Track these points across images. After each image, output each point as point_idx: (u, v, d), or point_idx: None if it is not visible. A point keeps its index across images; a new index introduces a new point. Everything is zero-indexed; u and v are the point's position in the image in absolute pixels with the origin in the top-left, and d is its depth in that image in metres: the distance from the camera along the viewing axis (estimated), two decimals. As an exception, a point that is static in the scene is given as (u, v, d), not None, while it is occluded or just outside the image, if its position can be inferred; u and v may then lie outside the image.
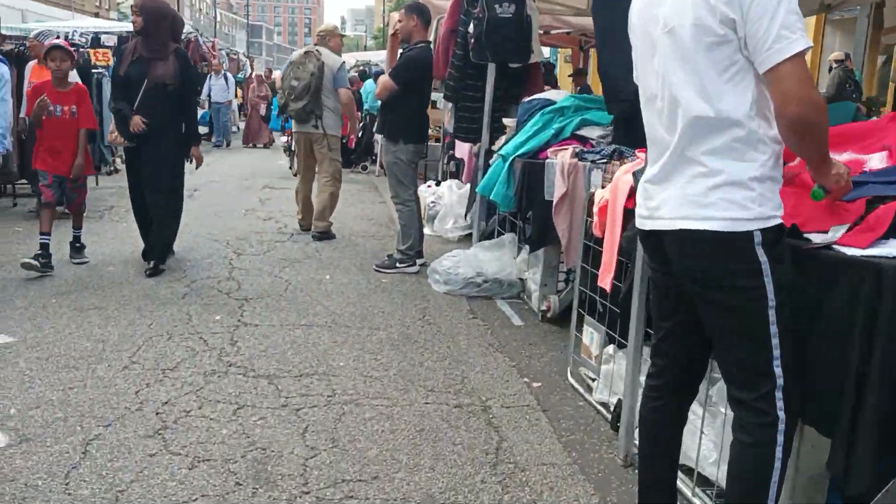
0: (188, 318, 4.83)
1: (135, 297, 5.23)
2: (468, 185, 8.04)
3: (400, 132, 6.20)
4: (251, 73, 19.57)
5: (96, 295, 5.25)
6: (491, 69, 6.02)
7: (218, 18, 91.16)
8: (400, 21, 6.35)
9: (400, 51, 6.42)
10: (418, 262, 6.46)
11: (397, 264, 6.34)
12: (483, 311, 5.34)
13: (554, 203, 4.84)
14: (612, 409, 3.52)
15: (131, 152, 6.08)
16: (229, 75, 17.55)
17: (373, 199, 10.70)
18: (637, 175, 3.33)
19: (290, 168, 12.58)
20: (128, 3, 52.70)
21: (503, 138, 5.94)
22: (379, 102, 6.54)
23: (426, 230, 7.23)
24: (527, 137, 5.19)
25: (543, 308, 5.13)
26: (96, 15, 33.39)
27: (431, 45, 6.35)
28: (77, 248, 6.27)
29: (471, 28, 5.88)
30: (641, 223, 2.28)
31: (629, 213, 3.44)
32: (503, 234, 6.31)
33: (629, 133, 4.25)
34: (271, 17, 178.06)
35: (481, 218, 6.75)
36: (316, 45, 7.77)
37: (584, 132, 5.17)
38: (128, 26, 19.65)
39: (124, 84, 5.91)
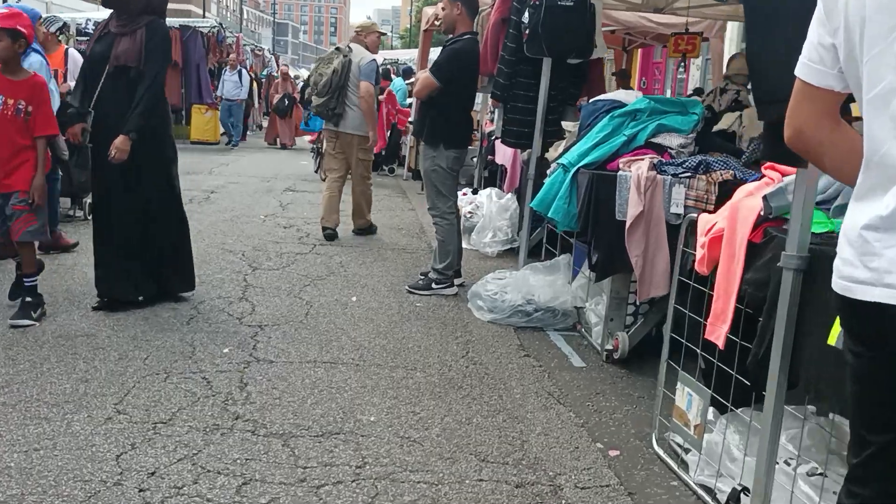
0: (191, 351, 4.09)
1: (132, 322, 4.50)
2: (510, 196, 7.28)
3: (441, 136, 5.44)
4: (278, 70, 18.72)
5: (87, 318, 4.52)
6: (546, 65, 5.24)
7: (245, 16, 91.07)
8: (443, 9, 5.59)
9: (439, 47, 5.67)
10: (456, 282, 5.71)
11: (433, 285, 5.58)
12: (536, 348, 4.56)
13: (627, 224, 4.07)
14: (722, 499, 2.73)
15: (97, 155, 4.73)
16: (244, 71, 16.66)
17: (402, 205, 9.95)
18: (770, 200, 2.55)
19: (316, 171, 11.86)
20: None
21: (559, 145, 5.17)
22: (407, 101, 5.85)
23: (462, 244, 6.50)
24: (593, 144, 4.41)
25: (609, 347, 4.34)
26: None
27: (478, 37, 5.57)
28: (26, 304, 4.40)
29: (525, 17, 5.10)
30: (852, 289, 1.50)
31: (753, 248, 2.66)
32: (554, 254, 5.54)
33: (778, 145, 3.45)
34: (297, 16, 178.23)
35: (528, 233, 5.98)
36: (351, 41, 7.43)
37: (660, 140, 4.39)
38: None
39: (90, 69, 4.73)
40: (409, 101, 11.59)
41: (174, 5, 19.60)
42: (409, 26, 71.41)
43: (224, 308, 4.89)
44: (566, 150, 4.70)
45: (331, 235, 7.30)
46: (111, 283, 4.72)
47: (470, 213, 7.55)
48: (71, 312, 4.61)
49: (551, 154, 5.25)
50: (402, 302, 5.32)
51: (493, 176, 10.44)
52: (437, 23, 12.01)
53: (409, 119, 11.72)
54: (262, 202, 9.36)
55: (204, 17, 18.04)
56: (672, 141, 4.37)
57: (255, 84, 20.93)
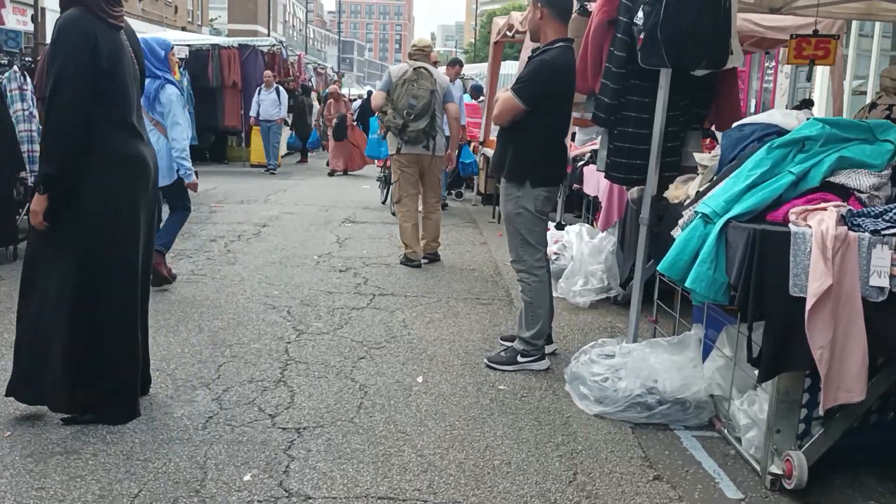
0: (201, 479, 3.01)
1: (132, 426, 3.46)
2: (605, 235, 6.07)
3: (527, 171, 4.30)
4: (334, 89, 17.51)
5: (69, 425, 3.49)
6: (665, 78, 4.05)
7: (311, 35, 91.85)
8: (529, 12, 4.46)
9: (527, 55, 4.54)
10: (548, 349, 4.55)
11: (519, 358, 4.43)
12: (666, 462, 3.35)
13: (808, 303, 2.85)
14: None
15: None
16: (282, 89, 15.39)
17: (472, 237, 8.81)
18: None
19: (384, 202, 10.83)
20: (222, 19, 52.97)
21: (689, 183, 3.96)
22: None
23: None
24: (747, 186, 3.20)
25: (777, 471, 3.11)
26: (183, 29, 32.87)
27: (574, 46, 4.40)
28: None
29: (639, 18, 3.92)
30: None
31: None
32: (670, 313, 4.32)
33: None
34: (363, 34, 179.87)
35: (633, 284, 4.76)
36: (416, 60, 7.01)
37: (843, 179, 3.18)
38: (209, 39, 18.55)
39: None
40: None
41: (240, 26, 18.99)
42: (473, 41, 70.57)
43: (255, 399, 3.82)
44: (703, 192, 3.49)
45: (419, 265, 7.05)
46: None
47: (556, 254, 6.38)
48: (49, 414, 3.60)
49: (673, 192, 4.05)
50: (482, 383, 4.18)
51: (573, 203, 9.28)
52: (508, 33, 10.95)
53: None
54: (317, 237, 8.35)
55: (281, 42, 17.28)
56: (861, 181, 3.13)
57: (319, 102, 20.17)
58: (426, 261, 7.16)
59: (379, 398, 3.90)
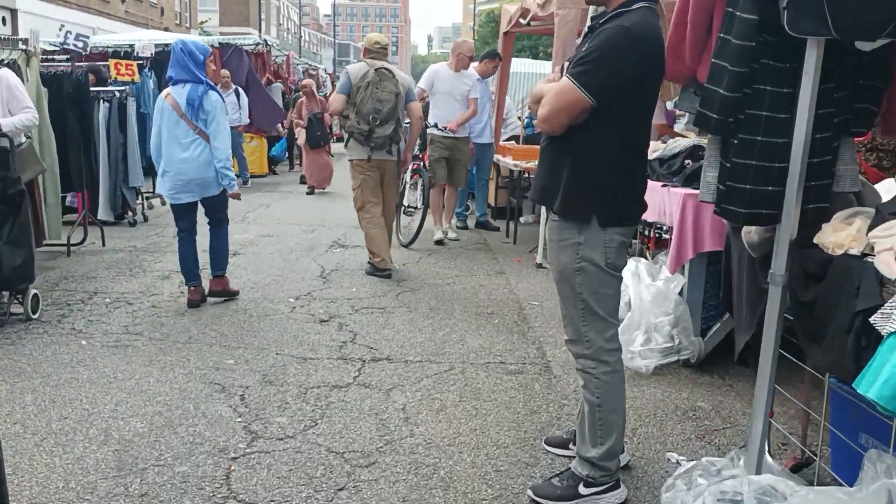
0: None
1: None
2: (675, 277, 4.54)
3: (594, 202, 2.76)
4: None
5: None
6: (813, 56, 2.50)
7: (306, 38, 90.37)
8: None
9: (585, 29, 3.02)
10: (622, 457, 3.02)
11: (582, 489, 2.89)
12: None
13: None
14: None
15: None
16: (241, 91, 13.17)
17: (485, 264, 7.26)
18: None
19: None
20: (213, 21, 51.55)
21: (855, 221, 2.43)
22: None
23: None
24: None
25: None
26: (166, 30, 31.36)
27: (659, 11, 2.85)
28: None
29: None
30: None
31: None
32: (796, 363, 2.80)
33: None
34: (359, 37, 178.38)
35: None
36: (375, 59, 6.50)
37: None
38: (182, 37, 17.03)
39: None
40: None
41: (232, 29, 17.44)
42: (472, 40, 68.88)
43: None
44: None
45: (390, 275, 6.60)
46: None
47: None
48: None
49: (830, 237, 2.52)
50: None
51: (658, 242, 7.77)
52: (522, 21, 9.42)
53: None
54: (297, 270, 6.81)
55: (265, 40, 15.75)
56: None
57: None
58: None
59: (365, 588, 2.37)
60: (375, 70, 6.31)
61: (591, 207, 2.77)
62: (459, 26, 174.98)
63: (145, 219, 9.42)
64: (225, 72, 12.56)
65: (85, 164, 7.42)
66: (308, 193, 12.49)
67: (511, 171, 8.94)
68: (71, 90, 7.21)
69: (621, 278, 2.89)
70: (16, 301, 5.04)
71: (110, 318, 5.14)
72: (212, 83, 5.34)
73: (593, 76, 2.65)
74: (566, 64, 2.90)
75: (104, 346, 4.57)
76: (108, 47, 13.03)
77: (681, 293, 4.54)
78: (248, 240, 8.24)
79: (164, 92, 5.42)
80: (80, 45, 7.25)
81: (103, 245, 7.68)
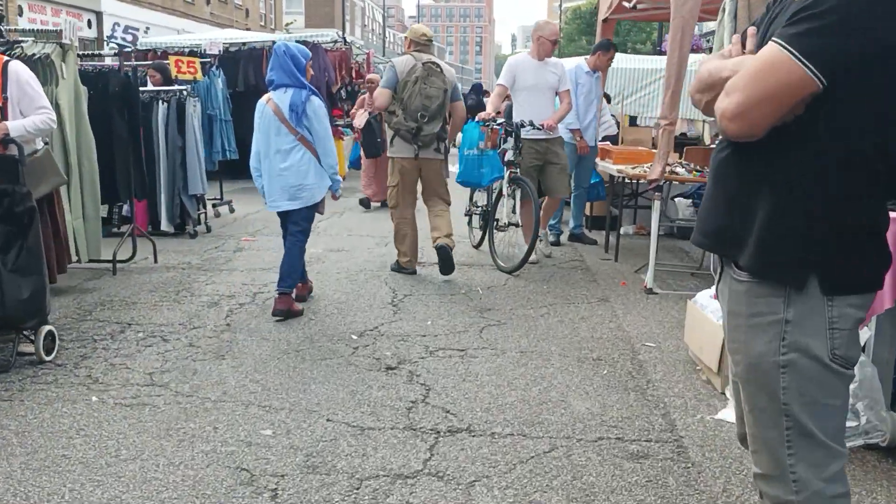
0: None
1: None
2: (864, 332, 3.34)
3: (811, 253, 1.65)
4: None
5: None
6: None
7: (391, 39, 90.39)
8: None
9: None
10: None
11: None
12: None
13: None
14: None
15: None
16: (315, 91, 11.77)
17: (584, 288, 6.13)
18: None
19: (478, 244, 7.63)
20: (298, 23, 51.72)
21: None
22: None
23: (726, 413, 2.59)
24: None
25: None
26: (247, 30, 31.19)
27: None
28: None
29: None
30: None
31: None
32: None
33: None
34: (443, 37, 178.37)
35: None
36: (421, 52, 6.23)
37: None
38: (264, 36, 16.37)
39: None
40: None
41: (318, 31, 16.72)
42: (556, 22, 67.19)
43: None
44: None
45: (413, 272, 6.52)
46: None
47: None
48: None
49: None
50: None
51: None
52: (627, 4, 8.24)
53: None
54: (365, 295, 5.85)
55: (344, 38, 15.00)
56: None
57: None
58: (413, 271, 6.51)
59: None
60: (423, 64, 6.03)
61: (808, 264, 1.66)
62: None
63: (208, 229, 8.66)
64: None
65: (135, 171, 6.65)
66: (363, 208, 10.54)
67: (612, 178, 7.79)
68: (117, 89, 6.44)
69: (852, 377, 1.76)
70: (27, 340, 4.23)
71: (136, 361, 4.27)
72: (314, 88, 5.20)
73: (825, 41, 1.54)
74: (753, 31, 1.79)
75: (117, 403, 3.68)
76: (178, 46, 12.43)
77: (863, 350, 3.36)
78: (314, 255, 7.34)
79: (266, 97, 5.24)
80: (129, 38, 6.46)
81: (155, 261, 6.91)
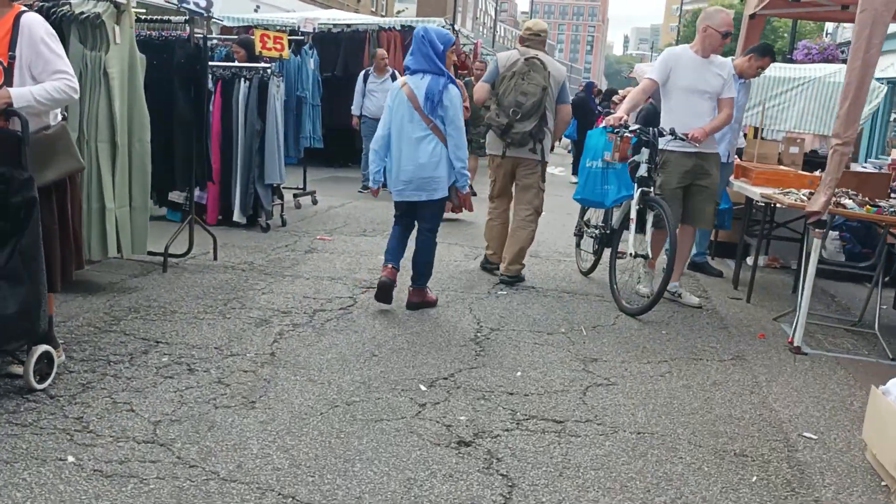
0: None
1: None
2: None
3: None
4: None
5: None
6: None
7: (501, 33, 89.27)
8: None
9: None
10: None
11: None
12: None
13: None
14: None
15: None
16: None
17: (714, 340, 4.95)
18: None
19: (589, 271, 6.50)
20: (409, 11, 51.29)
21: None
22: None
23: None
24: None
25: None
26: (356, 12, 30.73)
27: None
28: None
29: None
30: None
31: None
32: None
33: None
34: (555, 34, 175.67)
35: None
36: (529, 47, 5.90)
37: None
38: (367, 19, 15.53)
39: None
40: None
41: (423, 18, 15.80)
42: (672, 42, 64.59)
43: None
44: None
45: (491, 269, 6.23)
46: None
47: None
48: None
49: None
50: None
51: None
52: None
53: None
54: (444, 325, 4.84)
55: (452, 25, 14.09)
56: None
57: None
58: (501, 286, 5.93)
59: None
60: (525, 59, 5.76)
61: None
62: (659, 28, 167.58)
63: (283, 223, 7.84)
64: (382, 51, 10.67)
65: (197, 155, 5.83)
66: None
67: (749, 201, 6.54)
68: (183, 61, 5.62)
69: None
70: (13, 360, 3.40)
71: (146, 401, 3.38)
72: (451, 76, 4.98)
73: None
74: None
75: (96, 471, 2.76)
76: (269, 24, 11.71)
77: None
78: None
79: (400, 81, 5.04)
80: (204, 4, 5.64)
81: (214, 258, 6.09)
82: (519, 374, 4.11)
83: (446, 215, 7.19)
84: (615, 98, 14.29)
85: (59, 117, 3.58)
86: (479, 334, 4.74)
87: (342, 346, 4.31)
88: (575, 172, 15.76)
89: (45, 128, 3.46)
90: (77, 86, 3.46)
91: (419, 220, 5.16)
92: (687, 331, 5.18)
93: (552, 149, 5.83)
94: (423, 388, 3.80)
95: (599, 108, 15.67)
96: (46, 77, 3.38)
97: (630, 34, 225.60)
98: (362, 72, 10.56)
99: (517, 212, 6.04)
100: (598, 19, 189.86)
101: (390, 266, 5.07)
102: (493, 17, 78.86)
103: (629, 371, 4.30)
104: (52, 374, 3.47)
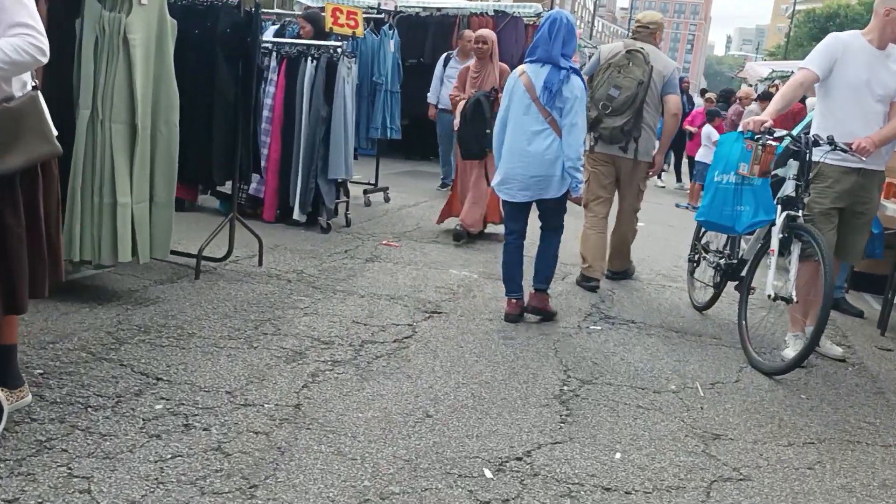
0: None
1: None
2: None
3: None
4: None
5: None
6: None
7: (598, 28, 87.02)
8: None
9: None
10: None
11: None
12: None
13: None
14: None
15: None
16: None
17: (867, 408, 3.78)
18: None
19: (705, 307, 5.24)
20: (507, 0, 50.10)
21: None
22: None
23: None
24: None
25: None
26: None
27: None
28: None
29: None
30: None
31: None
32: None
33: None
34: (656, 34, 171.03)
35: None
36: (637, 40, 5.65)
37: None
38: (459, 3, 14.54)
39: None
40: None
41: (519, 3, 14.74)
42: (782, 43, 61.01)
43: None
44: None
45: (595, 287, 5.51)
46: None
47: None
48: None
49: None
50: None
51: None
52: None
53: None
54: (521, 373, 3.83)
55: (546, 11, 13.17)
56: None
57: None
58: (594, 282, 5.55)
59: None
60: (627, 52, 5.48)
61: None
62: (765, 29, 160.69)
63: (347, 223, 6.96)
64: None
65: (243, 143, 4.99)
66: (455, 242, 6.64)
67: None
68: (228, 30, 4.75)
69: None
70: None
71: (109, 481, 2.49)
72: (576, 67, 4.61)
73: None
74: None
75: None
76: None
77: None
78: (462, 280, 5.43)
79: (520, 69, 4.67)
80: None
81: (259, 264, 5.25)
82: (618, 456, 3.07)
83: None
84: (740, 95, 12.91)
85: (29, 86, 2.73)
86: (565, 388, 3.71)
87: (388, 398, 3.36)
88: (679, 178, 14.47)
89: (7, 99, 2.61)
90: (46, 46, 2.59)
91: (544, 217, 4.75)
92: (833, 396, 4.02)
93: (666, 158, 4.86)
94: (488, 473, 2.81)
95: (689, 105, 14.36)
96: (2, 31, 2.52)
97: (733, 34, 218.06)
98: (443, 55, 9.42)
99: (619, 212, 5.89)
100: (700, 17, 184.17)
101: (514, 300, 4.63)
102: (592, 11, 76.84)
103: (765, 458, 3.21)
104: (1, 426, 2.63)
